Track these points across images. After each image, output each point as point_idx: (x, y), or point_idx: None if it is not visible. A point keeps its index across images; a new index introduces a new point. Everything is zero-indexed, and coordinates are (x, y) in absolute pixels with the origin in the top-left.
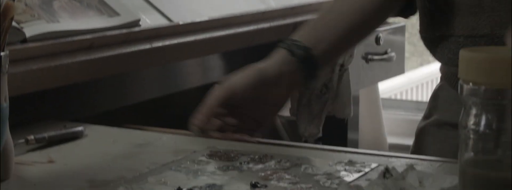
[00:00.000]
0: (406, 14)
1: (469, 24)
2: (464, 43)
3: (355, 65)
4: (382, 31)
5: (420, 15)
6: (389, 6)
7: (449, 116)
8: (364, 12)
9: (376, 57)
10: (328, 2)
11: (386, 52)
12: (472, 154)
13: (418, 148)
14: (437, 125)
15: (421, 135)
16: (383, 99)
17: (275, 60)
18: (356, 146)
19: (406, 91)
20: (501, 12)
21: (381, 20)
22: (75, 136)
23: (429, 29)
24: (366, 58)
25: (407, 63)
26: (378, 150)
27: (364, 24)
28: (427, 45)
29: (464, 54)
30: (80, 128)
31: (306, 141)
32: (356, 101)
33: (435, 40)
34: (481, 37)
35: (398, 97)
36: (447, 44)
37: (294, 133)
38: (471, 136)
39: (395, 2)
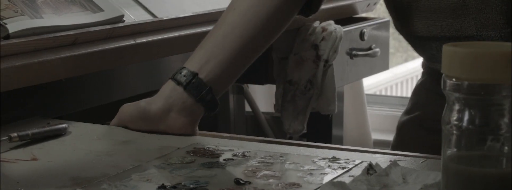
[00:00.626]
0: (307, 13)
1: (452, 26)
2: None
3: (339, 61)
4: (366, 26)
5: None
6: (287, 9)
7: (431, 112)
8: (259, 21)
9: (360, 53)
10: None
11: (370, 48)
12: (455, 149)
13: (399, 142)
14: (419, 121)
15: (402, 130)
16: (368, 95)
17: (161, 93)
18: (341, 142)
19: (391, 87)
20: (487, 13)
21: (282, 25)
22: (59, 133)
23: (405, 31)
24: (351, 54)
25: (391, 59)
26: (363, 146)
27: (261, 34)
28: (409, 42)
29: (447, 50)
30: (63, 125)
31: (290, 138)
32: (341, 97)
33: (417, 39)
34: (465, 38)
35: (383, 93)
36: (429, 43)
37: (278, 129)
38: (454, 131)
39: (293, 4)
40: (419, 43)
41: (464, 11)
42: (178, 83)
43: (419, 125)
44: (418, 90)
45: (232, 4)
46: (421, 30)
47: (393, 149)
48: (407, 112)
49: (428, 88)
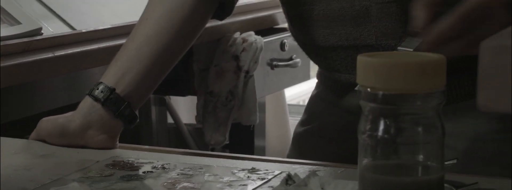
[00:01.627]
0: (221, 16)
1: (351, 34)
2: (345, 53)
3: (260, 71)
4: (287, 37)
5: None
6: (200, 14)
7: (329, 122)
8: (172, 29)
9: (281, 63)
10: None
11: (291, 58)
12: (371, 159)
13: (296, 153)
14: (317, 131)
15: (299, 141)
16: (290, 105)
17: (79, 110)
18: (263, 153)
19: None
20: (387, 22)
21: (196, 31)
22: None
23: (300, 38)
24: (271, 65)
25: (312, 69)
26: (285, 156)
27: (174, 42)
28: (305, 51)
29: (361, 60)
30: None
31: (213, 149)
32: (262, 107)
33: (313, 48)
34: (363, 47)
35: (305, 103)
36: (326, 52)
37: (201, 140)
38: (369, 141)
39: (205, 8)
40: (316, 52)
41: (365, 19)
42: (96, 99)
43: (317, 135)
44: (314, 101)
45: (143, 14)
46: (317, 39)
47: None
48: (302, 123)
49: (324, 99)
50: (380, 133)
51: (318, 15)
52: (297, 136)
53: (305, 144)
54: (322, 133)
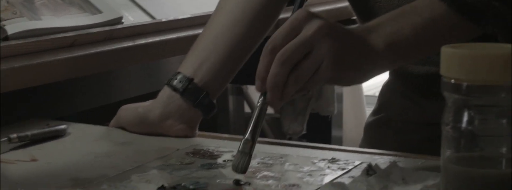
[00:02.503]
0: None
1: None
2: None
3: None
4: None
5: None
6: (275, 2)
7: (396, 113)
8: (247, 18)
9: None
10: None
11: None
12: (454, 150)
13: (366, 144)
14: (385, 121)
15: (369, 131)
16: (367, 96)
17: (158, 100)
18: (340, 143)
19: None
20: None
21: (271, 20)
22: (58, 134)
23: None
24: None
25: None
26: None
27: (250, 31)
28: None
29: (445, 51)
30: (63, 126)
31: (290, 139)
32: (340, 98)
33: None
34: None
35: None
36: None
37: (278, 130)
38: (453, 132)
39: None
40: None
41: None
42: (174, 89)
43: (386, 125)
44: (384, 91)
45: (219, 3)
46: None
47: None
48: (374, 113)
49: (393, 89)
50: (463, 124)
51: (380, 9)
52: (368, 126)
53: (374, 134)
54: (389, 123)
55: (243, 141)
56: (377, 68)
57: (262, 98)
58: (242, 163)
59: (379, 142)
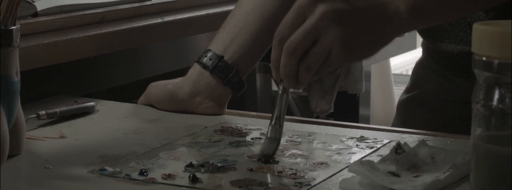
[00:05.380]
0: None
1: None
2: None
3: None
4: None
5: None
6: None
7: (429, 90)
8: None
9: None
10: None
11: None
12: (484, 129)
13: (399, 121)
14: (418, 99)
15: (402, 108)
16: (395, 75)
17: (188, 77)
18: (368, 122)
19: None
20: None
21: None
22: (87, 111)
23: None
24: None
25: (419, 39)
26: (389, 125)
27: (281, 8)
28: None
29: (477, 28)
30: (91, 103)
31: (317, 117)
32: (368, 76)
33: None
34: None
35: (410, 73)
36: None
37: (305, 108)
38: (484, 111)
39: None
40: None
41: None
42: (204, 67)
43: (418, 103)
44: (417, 68)
45: None
46: None
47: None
48: (406, 91)
49: (426, 66)
50: (494, 102)
51: None
52: (400, 104)
53: (407, 111)
54: (422, 101)
55: (270, 127)
56: (399, 33)
57: (281, 85)
58: (270, 149)
59: (411, 120)
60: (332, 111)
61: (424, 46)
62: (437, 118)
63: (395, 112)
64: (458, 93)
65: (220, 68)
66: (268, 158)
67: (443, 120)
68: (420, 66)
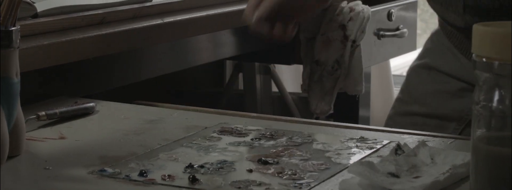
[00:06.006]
0: None
1: None
2: None
3: (366, 41)
4: (394, 7)
5: None
6: None
7: (439, 63)
8: None
9: (388, 33)
10: None
11: (398, 29)
12: (484, 130)
13: (406, 86)
14: (426, 68)
15: (411, 74)
16: (395, 76)
17: None
18: (368, 123)
19: None
20: None
21: None
22: (87, 112)
23: None
24: (378, 35)
25: (418, 41)
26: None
27: None
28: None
29: (477, 29)
30: (91, 104)
31: (317, 118)
32: (368, 77)
33: None
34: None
35: None
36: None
37: (305, 109)
38: (484, 112)
39: None
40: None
41: None
42: None
43: (426, 72)
44: (432, 37)
45: None
46: None
47: (400, 92)
48: (418, 58)
49: (439, 39)
50: (495, 103)
51: None
52: (410, 70)
53: (415, 78)
54: (429, 71)
55: None
56: None
57: None
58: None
59: (418, 87)
60: (332, 112)
61: (440, 23)
62: (442, 90)
63: (405, 77)
64: (462, 71)
65: None
66: None
67: (447, 92)
68: (435, 35)
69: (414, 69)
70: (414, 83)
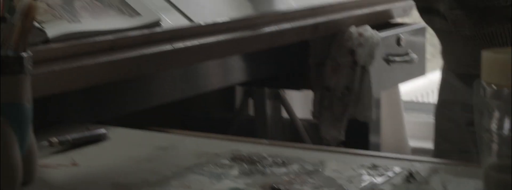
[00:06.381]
0: None
1: None
2: None
3: (376, 66)
4: (403, 32)
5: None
6: None
7: (452, 97)
8: None
9: (397, 58)
10: None
11: (407, 54)
12: (496, 158)
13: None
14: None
15: (435, 117)
16: (405, 102)
17: None
18: (378, 149)
19: (428, 94)
20: None
21: None
22: (99, 139)
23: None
24: (387, 60)
25: (428, 65)
26: (400, 153)
27: None
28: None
29: (486, 56)
30: (103, 131)
31: (328, 144)
32: (378, 103)
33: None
34: None
35: (420, 99)
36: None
37: (315, 135)
38: (495, 139)
39: None
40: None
41: None
42: None
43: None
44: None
45: None
46: None
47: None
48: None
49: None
50: (506, 131)
51: None
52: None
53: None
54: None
55: None
56: None
57: None
58: None
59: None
60: (342, 138)
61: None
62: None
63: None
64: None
65: None
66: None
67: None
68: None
69: (435, 113)
70: (442, 128)
